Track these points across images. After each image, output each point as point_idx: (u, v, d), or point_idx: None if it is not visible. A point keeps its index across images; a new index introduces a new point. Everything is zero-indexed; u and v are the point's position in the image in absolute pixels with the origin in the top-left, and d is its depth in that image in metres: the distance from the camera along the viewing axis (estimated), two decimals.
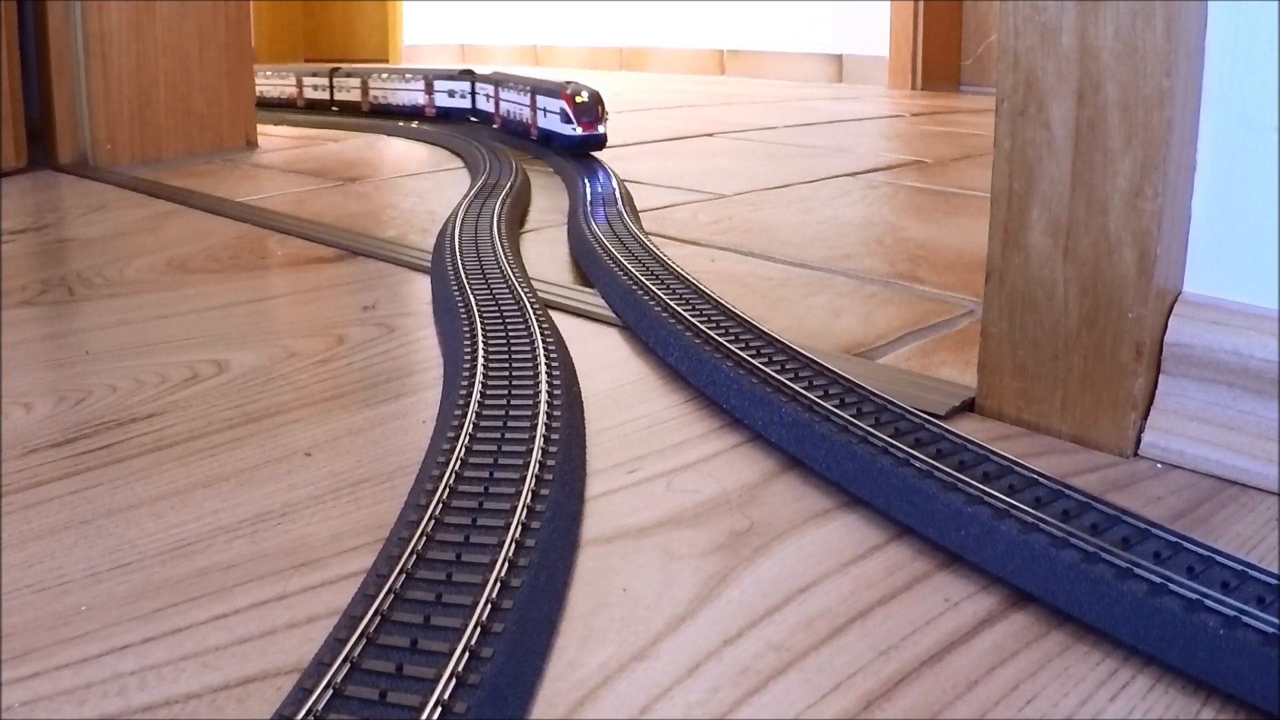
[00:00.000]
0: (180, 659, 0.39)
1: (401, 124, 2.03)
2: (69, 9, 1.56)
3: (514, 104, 1.69)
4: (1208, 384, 0.55)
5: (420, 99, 2.05)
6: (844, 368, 0.61)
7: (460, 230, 0.97)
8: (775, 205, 1.26)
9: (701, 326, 0.67)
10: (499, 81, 1.79)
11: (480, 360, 0.62)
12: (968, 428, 0.59)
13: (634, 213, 1.11)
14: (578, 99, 1.42)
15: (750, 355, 0.62)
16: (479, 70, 1.98)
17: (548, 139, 1.53)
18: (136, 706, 0.37)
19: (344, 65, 2.40)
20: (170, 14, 1.65)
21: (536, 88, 1.58)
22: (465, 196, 1.18)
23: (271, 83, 2.45)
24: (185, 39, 1.67)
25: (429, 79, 2.03)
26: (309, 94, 2.37)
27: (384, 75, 2.16)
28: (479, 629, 0.37)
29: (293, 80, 2.41)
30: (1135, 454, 0.56)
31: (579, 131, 1.41)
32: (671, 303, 0.73)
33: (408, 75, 2.10)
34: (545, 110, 1.53)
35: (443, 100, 2.00)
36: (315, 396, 0.65)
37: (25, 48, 1.59)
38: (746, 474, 0.55)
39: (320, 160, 1.67)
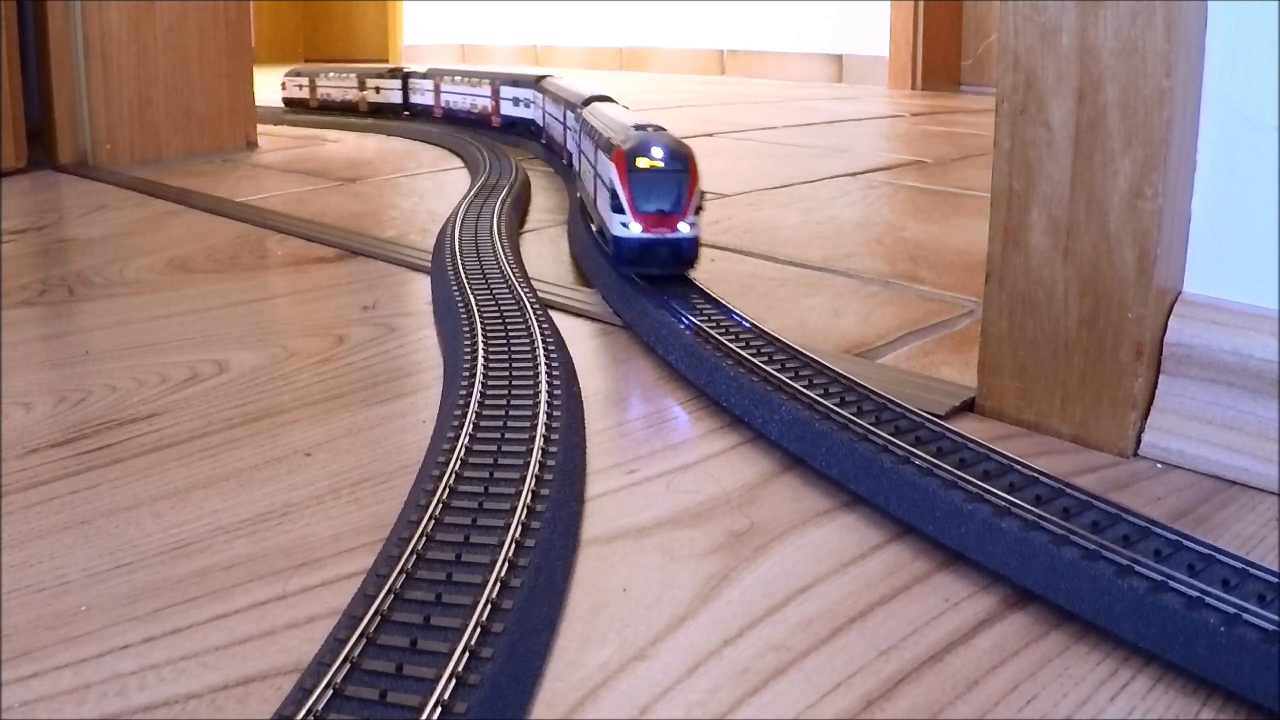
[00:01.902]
0: (180, 659, 0.39)
1: (406, 124, 2.01)
2: (69, 9, 1.56)
3: (588, 160, 0.98)
4: (1208, 384, 0.55)
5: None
6: (844, 367, 0.61)
7: (460, 230, 0.97)
8: (775, 205, 1.26)
9: (702, 326, 0.67)
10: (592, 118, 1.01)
11: (480, 360, 0.62)
12: (968, 427, 0.59)
13: None
14: (637, 162, 0.74)
15: (750, 354, 0.62)
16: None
17: (601, 234, 0.85)
18: (136, 706, 0.37)
19: (551, 76, 1.66)
20: (170, 14, 1.65)
21: (604, 131, 0.88)
22: (465, 196, 1.18)
23: (460, 91, 1.86)
24: (185, 39, 1.67)
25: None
26: (504, 109, 1.78)
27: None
28: (479, 629, 0.37)
29: (488, 91, 1.78)
30: (1135, 454, 0.56)
31: (635, 231, 0.73)
32: (671, 302, 0.73)
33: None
34: (600, 177, 0.85)
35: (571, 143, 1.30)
36: (315, 396, 0.65)
37: (25, 48, 1.59)
38: (746, 474, 0.55)
39: (320, 160, 1.67)
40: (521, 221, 1.17)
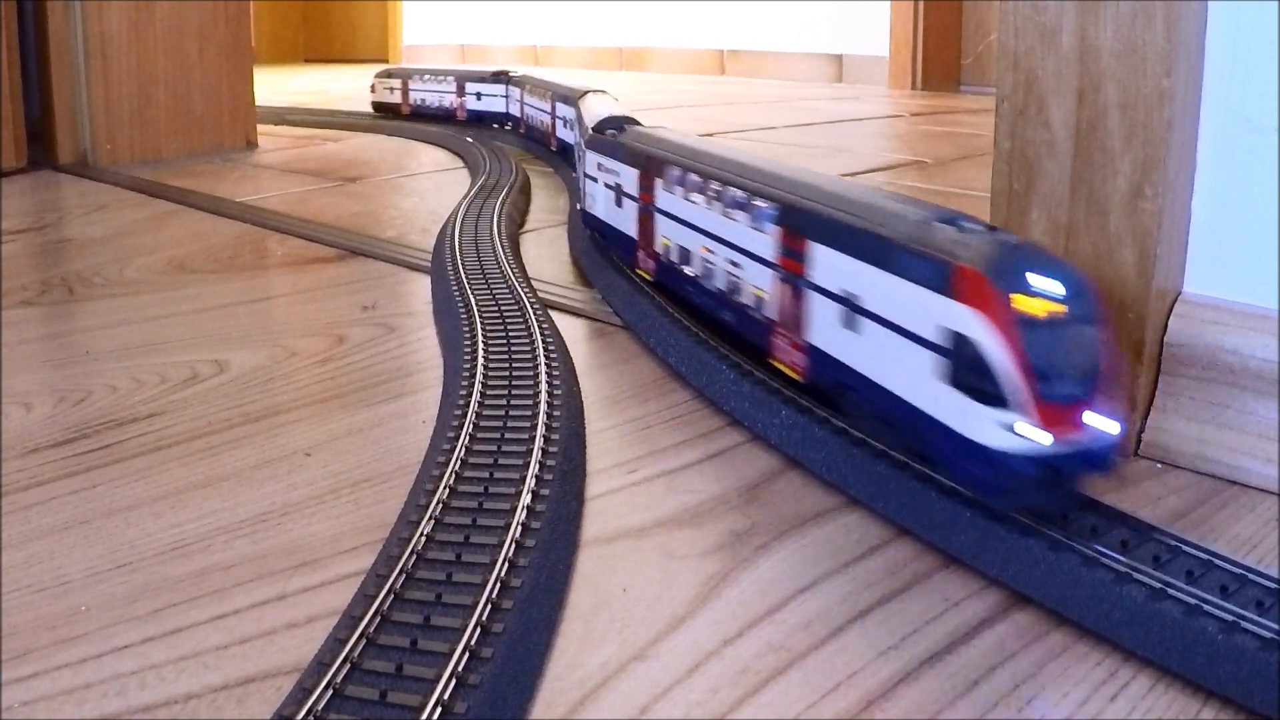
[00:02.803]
0: (180, 659, 0.39)
1: (406, 124, 2.01)
2: (69, 9, 1.56)
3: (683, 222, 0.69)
4: (1208, 384, 0.55)
5: None
6: None
7: (460, 230, 0.97)
8: None
9: (701, 328, 0.67)
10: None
11: (480, 360, 0.62)
12: None
13: None
14: (1018, 302, 0.39)
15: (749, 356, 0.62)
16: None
17: (859, 389, 0.50)
18: (136, 706, 0.37)
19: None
20: (170, 14, 1.65)
21: (833, 211, 0.51)
22: (465, 196, 1.18)
23: (533, 104, 1.58)
24: (185, 39, 1.67)
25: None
26: (558, 129, 1.50)
27: None
28: (479, 629, 0.37)
29: (548, 107, 1.51)
30: (1135, 454, 0.56)
31: (1037, 441, 0.39)
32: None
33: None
34: (822, 291, 0.52)
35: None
36: (315, 396, 0.65)
37: (25, 48, 1.59)
38: (746, 474, 0.55)
39: (320, 160, 1.67)
40: (521, 221, 1.17)
